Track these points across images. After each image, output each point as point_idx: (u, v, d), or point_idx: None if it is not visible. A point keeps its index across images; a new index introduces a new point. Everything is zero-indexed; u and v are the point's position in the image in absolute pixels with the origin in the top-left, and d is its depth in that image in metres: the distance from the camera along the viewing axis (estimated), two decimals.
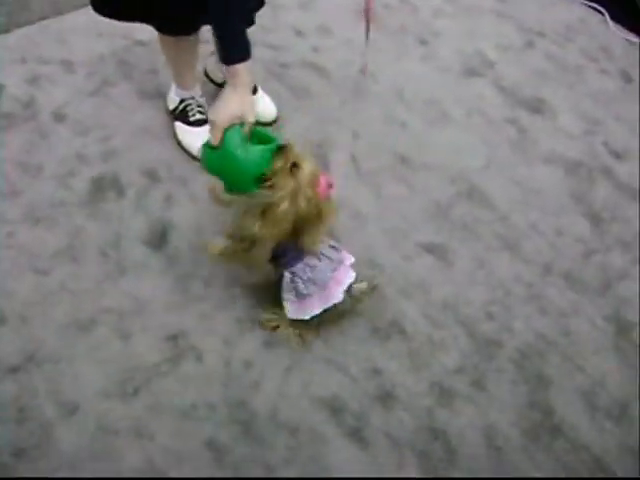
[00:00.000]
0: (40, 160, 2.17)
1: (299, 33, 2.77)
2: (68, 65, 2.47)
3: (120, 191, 2.13)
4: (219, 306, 1.93)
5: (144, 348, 1.82)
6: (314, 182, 1.60)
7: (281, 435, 1.74)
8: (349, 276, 1.82)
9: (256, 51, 2.53)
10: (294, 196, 1.57)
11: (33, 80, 2.38)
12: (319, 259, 1.77)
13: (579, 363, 1.99)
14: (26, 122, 2.26)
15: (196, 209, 2.11)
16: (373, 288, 1.94)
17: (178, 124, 2.31)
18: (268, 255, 1.73)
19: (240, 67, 1.63)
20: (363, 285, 1.91)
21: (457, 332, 1.99)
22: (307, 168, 1.59)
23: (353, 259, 1.86)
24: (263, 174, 1.57)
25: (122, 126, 2.31)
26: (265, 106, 2.43)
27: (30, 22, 2.57)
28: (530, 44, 3.08)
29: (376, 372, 1.88)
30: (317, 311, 1.81)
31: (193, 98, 2.29)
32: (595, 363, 2.00)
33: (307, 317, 1.81)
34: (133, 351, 1.82)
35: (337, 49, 2.76)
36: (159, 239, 2.04)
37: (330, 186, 1.64)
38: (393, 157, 2.42)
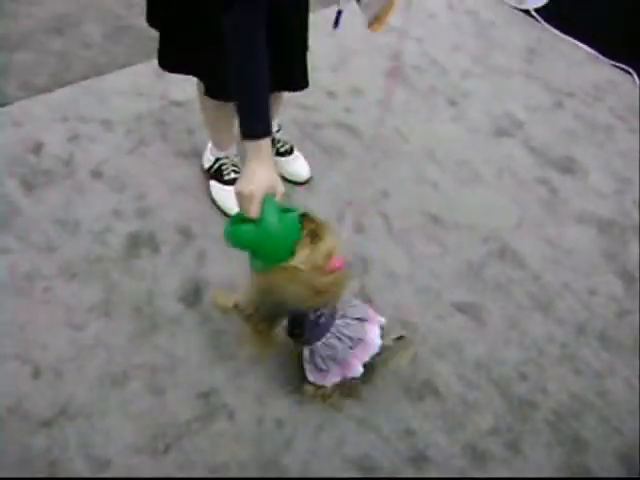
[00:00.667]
0: (77, 216, 2.21)
1: (331, 94, 2.83)
2: (107, 124, 2.54)
3: (155, 248, 2.16)
4: (251, 363, 1.93)
5: (176, 405, 1.82)
6: (329, 257, 1.56)
7: None
8: (373, 347, 1.78)
9: (290, 112, 2.64)
10: (313, 265, 1.55)
11: (73, 138, 2.45)
12: (339, 339, 1.75)
13: (616, 425, 1.95)
14: (65, 179, 2.31)
15: (229, 266, 2.13)
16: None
17: (213, 183, 2.36)
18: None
19: (263, 141, 1.58)
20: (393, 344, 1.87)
21: (491, 392, 1.97)
22: (327, 242, 1.56)
23: (383, 320, 1.83)
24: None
25: (158, 184, 2.35)
26: (299, 166, 2.48)
27: (72, 82, 2.65)
28: (559, 104, 3.12)
29: (409, 433, 1.86)
30: (336, 379, 1.80)
31: (228, 158, 2.34)
32: (632, 424, 1.96)
33: (327, 384, 1.81)
34: (165, 407, 1.81)
35: (368, 110, 2.81)
36: (193, 296, 2.06)
37: (339, 268, 1.59)
38: (425, 217, 2.44)
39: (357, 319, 1.79)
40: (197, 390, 1.86)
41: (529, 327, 2.15)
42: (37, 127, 2.47)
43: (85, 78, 2.69)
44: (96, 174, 2.35)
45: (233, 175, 2.32)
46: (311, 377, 1.81)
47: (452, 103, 2.98)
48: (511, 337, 2.12)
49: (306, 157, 2.49)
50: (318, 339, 1.74)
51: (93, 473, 1.67)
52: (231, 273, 2.11)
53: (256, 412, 1.84)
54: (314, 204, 2.37)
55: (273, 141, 2.47)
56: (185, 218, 2.26)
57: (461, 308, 2.17)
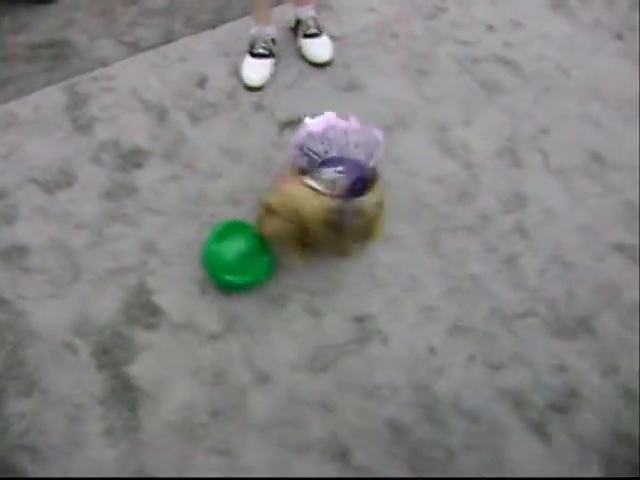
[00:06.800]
0: (241, 146, 2.31)
1: (490, 28, 2.76)
2: None
3: None
4: (405, 291, 1.98)
5: (333, 327, 1.91)
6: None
7: (462, 422, 1.76)
8: None
9: (447, 46, 2.61)
10: None
11: (234, 72, 2.53)
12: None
13: None
14: (229, 111, 2.42)
15: None
16: None
17: (246, 55, 2.54)
18: None
19: None
20: None
21: None
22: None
23: None
24: None
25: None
26: (320, 48, 2.58)
27: (233, 19, 2.73)
28: None
29: (562, 369, 1.85)
30: None
31: (263, 33, 2.49)
32: None
33: None
34: (323, 329, 1.91)
35: (529, 44, 2.71)
36: None
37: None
38: (585, 154, 2.35)
39: None
40: (352, 314, 1.94)
41: None
42: (201, 62, 2.57)
43: (245, 14, 2.73)
44: (258, 106, 2.44)
45: (261, 50, 2.47)
46: None
47: (619, 37, 2.81)
48: None
49: (463, 91, 2.48)
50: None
51: (256, 385, 1.80)
52: None
53: (408, 338, 1.90)
54: (472, 138, 2.36)
55: (299, 22, 2.59)
56: None
57: (620, 248, 2.10)
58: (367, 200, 1.86)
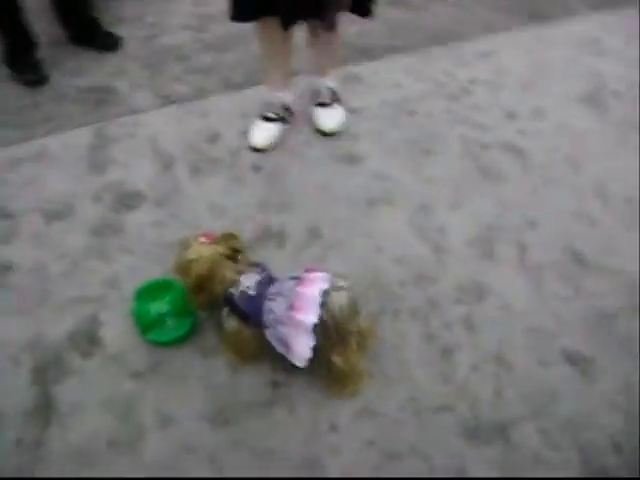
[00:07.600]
0: (227, 203, 2.43)
1: (510, 115, 2.72)
2: None
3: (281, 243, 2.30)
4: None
5: (248, 387, 1.95)
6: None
7: None
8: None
9: (458, 129, 2.59)
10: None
11: (245, 132, 2.67)
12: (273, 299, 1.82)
13: None
14: (228, 168, 2.56)
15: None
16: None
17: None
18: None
19: None
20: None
21: (570, 457, 1.78)
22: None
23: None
24: None
25: (306, 183, 2.49)
26: (327, 118, 2.66)
27: (262, 82, 2.81)
28: None
29: (459, 471, 1.76)
30: (305, 344, 1.78)
31: (276, 99, 2.61)
32: None
33: (307, 356, 1.80)
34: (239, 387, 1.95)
35: (545, 134, 2.64)
36: None
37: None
38: (567, 254, 2.25)
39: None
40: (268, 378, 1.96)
41: None
42: (219, 120, 2.74)
43: None
44: (256, 167, 2.56)
45: (270, 115, 2.58)
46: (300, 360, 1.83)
47: None
48: (618, 402, 1.88)
49: (461, 175, 2.45)
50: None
51: (157, 427, 1.86)
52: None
53: (316, 410, 1.89)
54: (452, 224, 2.33)
55: (316, 91, 2.67)
56: (317, 219, 2.37)
57: (571, 358, 1.98)
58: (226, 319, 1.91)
